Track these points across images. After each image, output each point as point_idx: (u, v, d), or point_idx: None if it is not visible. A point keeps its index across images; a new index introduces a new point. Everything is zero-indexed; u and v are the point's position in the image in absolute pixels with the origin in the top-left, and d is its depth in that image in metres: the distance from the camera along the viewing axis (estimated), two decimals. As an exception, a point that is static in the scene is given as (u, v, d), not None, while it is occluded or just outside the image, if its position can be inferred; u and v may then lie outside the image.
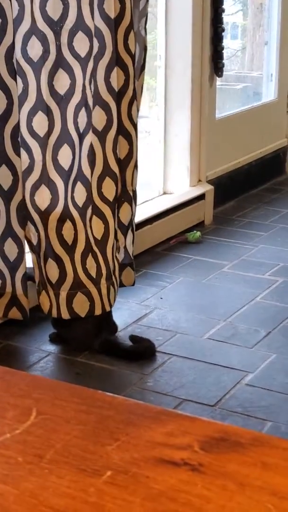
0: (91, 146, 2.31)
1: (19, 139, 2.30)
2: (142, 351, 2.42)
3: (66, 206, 2.34)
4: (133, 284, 2.67)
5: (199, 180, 3.64)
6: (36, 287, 2.47)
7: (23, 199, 2.36)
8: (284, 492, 0.65)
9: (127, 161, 2.48)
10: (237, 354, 2.43)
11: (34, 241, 2.41)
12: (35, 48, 2.25)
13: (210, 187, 3.67)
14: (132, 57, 2.35)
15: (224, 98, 4.21)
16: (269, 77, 4.38)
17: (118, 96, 2.34)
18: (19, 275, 2.41)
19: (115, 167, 2.37)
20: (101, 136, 2.31)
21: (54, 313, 2.44)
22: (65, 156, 2.33)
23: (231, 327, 2.61)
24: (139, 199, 3.31)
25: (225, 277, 3.02)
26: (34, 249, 2.44)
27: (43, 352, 2.44)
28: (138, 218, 3.27)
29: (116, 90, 2.32)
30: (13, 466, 0.69)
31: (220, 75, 3.62)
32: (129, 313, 2.72)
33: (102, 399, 0.80)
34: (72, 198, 2.34)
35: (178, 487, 0.66)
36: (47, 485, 0.67)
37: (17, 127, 2.30)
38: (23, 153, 2.32)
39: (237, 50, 5.25)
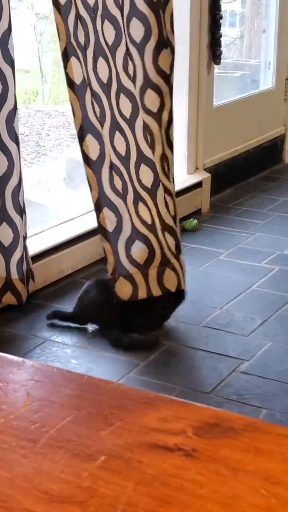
0: (146, 126, 2.31)
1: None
2: None
3: (134, 188, 2.36)
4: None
5: (196, 168, 3.63)
6: (110, 276, 2.44)
7: (19, 185, 2.36)
8: (276, 477, 0.65)
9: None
10: (233, 342, 2.44)
11: (111, 228, 2.39)
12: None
13: (207, 175, 3.66)
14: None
15: (221, 86, 4.20)
16: (267, 65, 4.36)
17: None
18: (14, 259, 2.41)
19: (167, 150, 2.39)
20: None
21: (142, 294, 2.41)
22: (119, 141, 2.33)
23: (227, 315, 2.61)
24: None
25: (222, 265, 3.02)
26: (109, 236, 2.41)
27: (39, 339, 2.44)
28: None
29: (167, 72, 2.31)
30: (7, 451, 0.69)
31: (218, 63, 3.61)
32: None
33: (96, 384, 0.80)
34: (139, 180, 2.37)
35: (171, 472, 0.66)
36: (41, 469, 0.67)
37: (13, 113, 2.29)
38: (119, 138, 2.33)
39: (235, 38, 5.23)
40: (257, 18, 4.75)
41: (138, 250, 2.41)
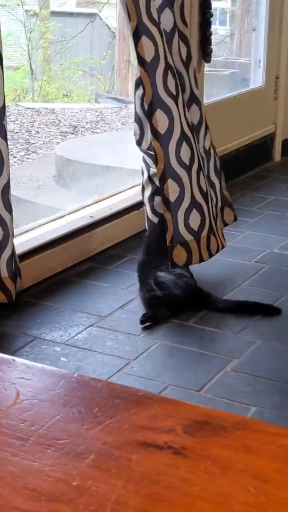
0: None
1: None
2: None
3: (199, 157, 2.63)
4: (235, 219, 3.04)
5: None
6: (169, 243, 2.60)
7: (8, 183, 2.35)
8: (265, 475, 0.65)
9: (199, 126, 2.75)
10: (222, 340, 2.44)
11: (173, 198, 2.56)
12: None
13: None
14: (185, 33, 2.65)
15: (212, 84, 4.20)
16: (257, 63, 4.37)
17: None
18: (4, 258, 2.41)
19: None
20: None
21: (196, 260, 2.67)
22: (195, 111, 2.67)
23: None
24: (129, 184, 3.32)
25: (211, 263, 3.02)
26: (171, 206, 2.56)
27: (28, 336, 2.44)
28: (127, 203, 3.27)
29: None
30: (-4, 449, 0.69)
31: (208, 61, 3.61)
32: (114, 298, 2.72)
33: (86, 383, 0.80)
34: (203, 148, 2.74)
35: (160, 470, 0.66)
36: (30, 468, 0.67)
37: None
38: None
39: (225, 36, 5.24)
40: (247, 16, 4.76)
41: (194, 218, 2.62)
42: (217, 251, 2.79)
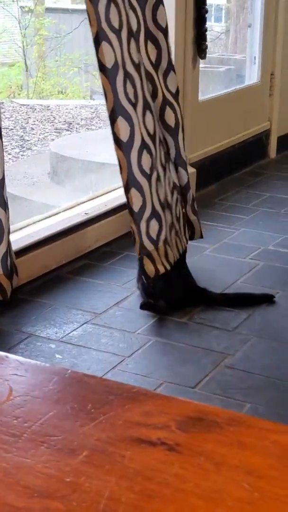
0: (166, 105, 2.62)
1: None
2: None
3: (158, 166, 2.58)
4: (201, 237, 2.93)
5: (181, 163, 3.63)
6: (138, 256, 2.55)
7: (3, 179, 2.35)
8: (259, 471, 0.65)
9: (176, 128, 2.65)
10: (217, 337, 2.44)
11: (137, 208, 2.50)
12: None
13: (192, 170, 3.66)
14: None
15: (207, 81, 4.20)
16: (252, 60, 4.36)
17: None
18: None
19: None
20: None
21: (161, 269, 2.57)
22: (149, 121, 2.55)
23: (212, 310, 2.61)
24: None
25: (207, 260, 3.02)
26: (135, 217, 2.51)
27: (23, 334, 2.43)
28: (122, 200, 3.27)
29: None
30: (-11, 446, 0.69)
31: (203, 57, 3.60)
32: (110, 295, 2.72)
33: (79, 379, 0.80)
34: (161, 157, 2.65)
35: (154, 467, 0.66)
36: (23, 464, 0.67)
37: None
38: None
39: (220, 32, 5.23)
40: (243, 12, 4.75)
41: (153, 228, 2.56)
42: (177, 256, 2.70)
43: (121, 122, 2.40)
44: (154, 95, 2.54)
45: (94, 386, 0.78)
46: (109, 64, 2.36)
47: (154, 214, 2.54)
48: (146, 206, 2.51)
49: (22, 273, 2.70)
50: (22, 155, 5.64)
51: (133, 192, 2.47)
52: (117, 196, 3.29)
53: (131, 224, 2.52)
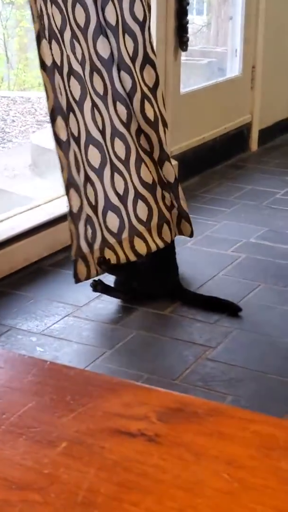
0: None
1: None
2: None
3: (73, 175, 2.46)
4: (191, 235, 2.79)
5: (163, 156, 3.62)
6: (73, 257, 2.49)
7: None
8: (239, 461, 0.65)
9: (156, 122, 2.59)
10: (199, 329, 2.44)
11: (75, 209, 2.45)
12: None
13: (174, 162, 3.65)
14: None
15: (188, 73, 4.19)
16: (233, 52, 4.36)
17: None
18: None
19: None
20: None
21: (93, 273, 2.52)
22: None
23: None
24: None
25: (189, 252, 3.02)
26: (74, 218, 2.46)
27: (4, 326, 2.42)
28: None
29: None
30: None
31: (185, 49, 3.60)
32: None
33: (58, 370, 0.79)
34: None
35: (133, 458, 0.65)
36: (1, 456, 0.66)
37: None
38: None
39: (202, 25, 5.22)
40: (224, 5, 4.75)
41: (89, 231, 2.50)
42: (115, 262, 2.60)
43: (60, 121, 2.36)
44: (133, 89, 2.50)
45: (73, 377, 0.78)
46: (48, 62, 2.32)
47: (88, 220, 2.48)
48: (83, 208, 2.46)
49: (3, 266, 2.69)
50: (2, 147, 5.61)
51: (72, 192, 2.43)
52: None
53: (69, 225, 2.46)
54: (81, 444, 0.67)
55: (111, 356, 2.27)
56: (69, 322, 2.46)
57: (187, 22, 3.56)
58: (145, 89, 2.54)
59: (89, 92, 2.42)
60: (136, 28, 2.49)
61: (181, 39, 3.54)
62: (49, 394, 0.74)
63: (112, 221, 2.54)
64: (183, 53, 3.65)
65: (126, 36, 2.48)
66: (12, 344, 2.32)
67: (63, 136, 2.36)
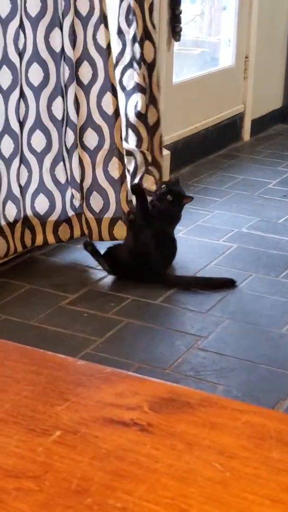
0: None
1: None
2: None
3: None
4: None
5: (156, 145, 3.62)
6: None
7: None
8: (231, 451, 0.66)
9: (114, 117, 2.71)
10: (190, 319, 2.45)
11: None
12: None
13: (166, 152, 3.65)
14: None
15: (181, 63, 4.18)
16: (227, 42, 4.36)
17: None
18: None
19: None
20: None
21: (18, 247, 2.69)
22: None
23: (186, 292, 2.62)
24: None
25: (180, 242, 3.02)
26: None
27: (-4, 315, 2.42)
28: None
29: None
30: None
31: (178, 39, 3.59)
32: (85, 276, 2.71)
33: (52, 360, 0.79)
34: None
35: (126, 447, 0.66)
36: (-5, 445, 0.66)
37: None
38: None
39: (195, 15, 5.20)
40: (218, -5, 4.73)
41: (9, 210, 2.68)
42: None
43: None
44: (93, 79, 2.64)
45: (67, 366, 0.78)
46: None
47: (10, 197, 2.64)
48: (0, 188, 2.61)
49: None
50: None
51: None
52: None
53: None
54: (74, 433, 0.68)
55: (102, 345, 2.27)
56: (61, 312, 2.46)
57: (181, 12, 3.55)
58: (107, 81, 2.67)
59: (21, 83, 2.56)
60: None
61: (174, 29, 3.54)
62: (42, 383, 0.75)
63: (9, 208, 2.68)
64: (176, 43, 3.64)
65: (103, 28, 2.61)
66: (5, 333, 2.32)
67: None
